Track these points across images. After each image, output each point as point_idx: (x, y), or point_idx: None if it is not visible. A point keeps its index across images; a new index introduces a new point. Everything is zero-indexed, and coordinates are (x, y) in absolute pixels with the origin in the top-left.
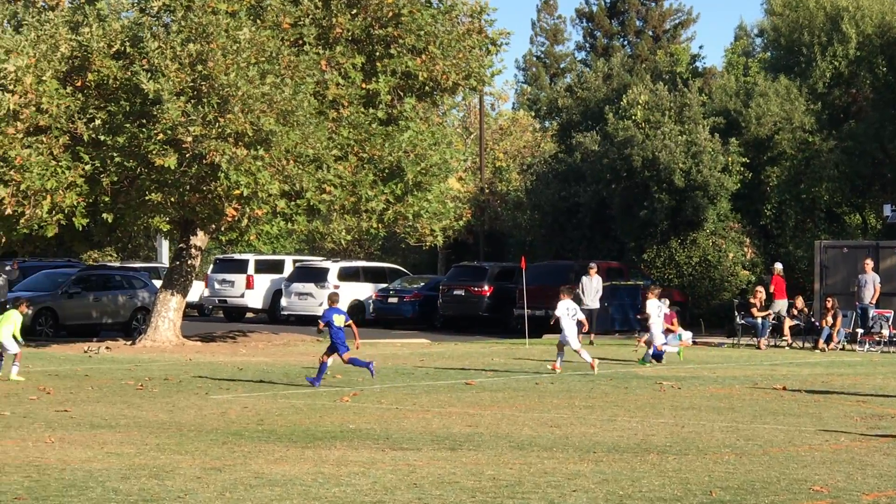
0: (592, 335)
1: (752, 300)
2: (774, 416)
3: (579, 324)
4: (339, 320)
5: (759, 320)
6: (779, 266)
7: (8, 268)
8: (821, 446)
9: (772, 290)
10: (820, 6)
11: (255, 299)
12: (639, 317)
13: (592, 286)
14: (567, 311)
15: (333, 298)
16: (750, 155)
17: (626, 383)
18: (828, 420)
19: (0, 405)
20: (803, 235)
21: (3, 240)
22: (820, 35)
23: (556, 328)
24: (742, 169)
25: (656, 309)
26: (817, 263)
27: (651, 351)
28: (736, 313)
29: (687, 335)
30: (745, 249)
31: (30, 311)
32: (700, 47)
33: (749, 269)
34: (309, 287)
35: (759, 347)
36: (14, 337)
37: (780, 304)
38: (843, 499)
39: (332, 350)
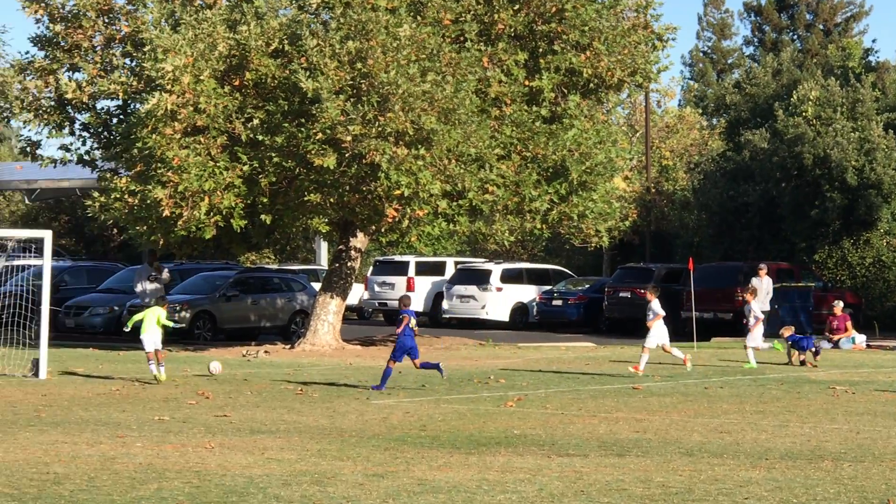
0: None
1: None
2: None
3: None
4: (412, 323)
5: None
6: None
7: (160, 275)
8: None
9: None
10: None
11: (415, 302)
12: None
13: (763, 288)
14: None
15: (406, 301)
16: None
17: (798, 388)
18: None
19: (159, 410)
20: None
21: (161, 242)
22: None
23: (726, 331)
24: None
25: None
26: None
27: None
28: None
29: (861, 338)
30: None
31: (187, 314)
32: (873, 41)
33: None
34: (471, 289)
35: None
36: (163, 326)
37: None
38: None
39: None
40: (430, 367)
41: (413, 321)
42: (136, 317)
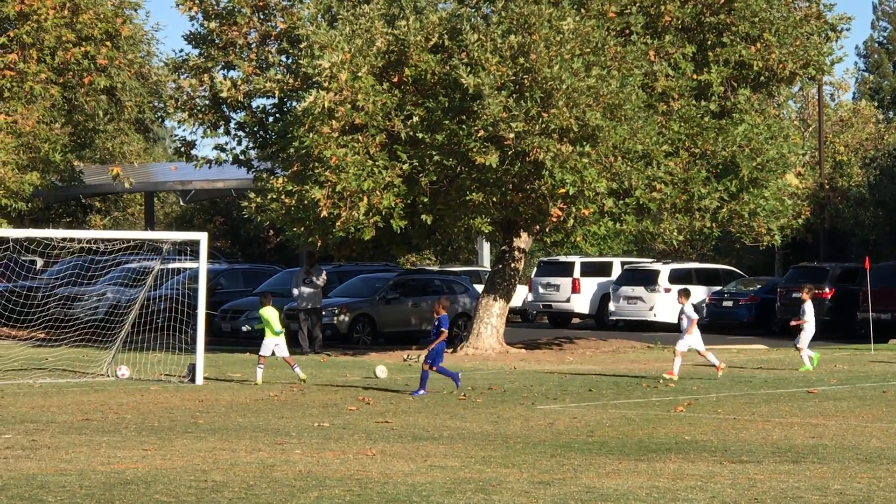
0: None
1: None
2: None
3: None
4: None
5: None
6: None
7: (316, 279)
8: None
9: None
10: None
11: (581, 304)
12: (794, 324)
13: None
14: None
15: (445, 304)
16: None
17: None
18: None
19: (319, 416)
20: None
21: (319, 244)
22: None
23: None
24: None
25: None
26: None
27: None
28: None
29: None
30: None
31: (346, 318)
32: None
33: None
34: (638, 291)
35: None
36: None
37: None
38: None
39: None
40: (448, 374)
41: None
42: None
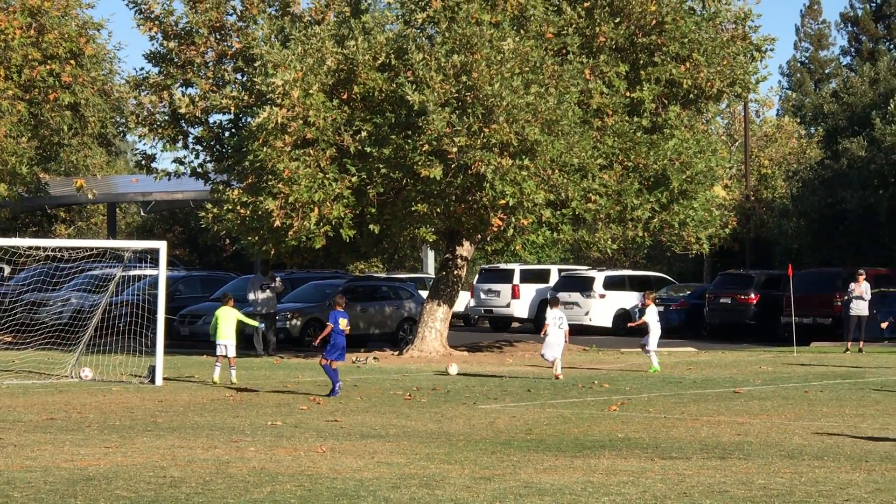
0: (861, 343)
1: None
2: None
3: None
4: (342, 323)
5: None
6: None
7: (273, 283)
8: None
9: None
10: None
11: (520, 309)
12: (631, 325)
13: (862, 293)
14: (554, 321)
15: (339, 301)
16: None
17: None
18: None
19: (272, 415)
20: None
21: (273, 252)
22: None
23: (825, 335)
24: None
25: (655, 315)
26: None
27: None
28: None
29: None
30: None
31: (298, 323)
32: None
33: None
34: (575, 296)
35: None
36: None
37: None
38: None
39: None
40: (332, 378)
41: (344, 321)
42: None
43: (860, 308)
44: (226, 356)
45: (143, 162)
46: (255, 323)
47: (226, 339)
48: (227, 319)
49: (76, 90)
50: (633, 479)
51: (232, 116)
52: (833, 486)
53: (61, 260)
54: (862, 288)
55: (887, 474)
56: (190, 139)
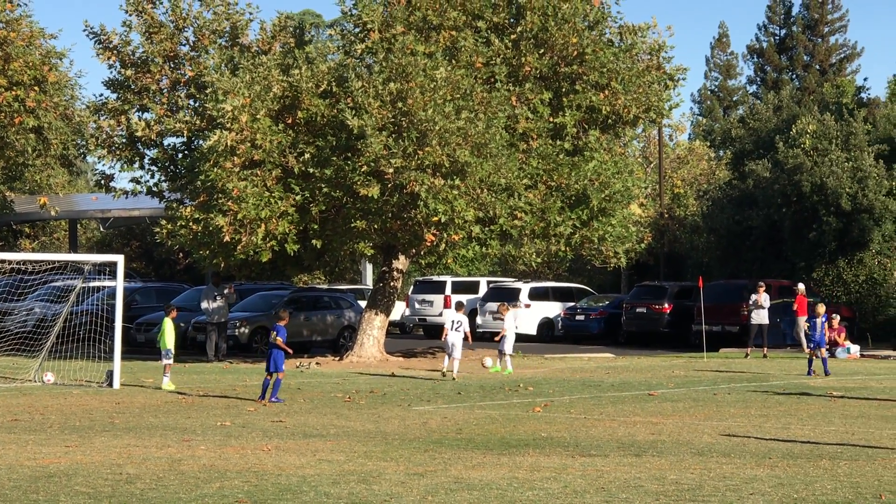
0: (765, 349)
1: None
2: None
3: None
4: (272, 335)
5: None
6: (801, 286)
7: (226, 291)
8: None
9: (794, 307)
10: None
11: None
12: (497, 339)
13: (762, 303)
14: (452, 324)
15: (282, 316)
16: None
17: (799, 395)
18: None
19: (222, 416)
20: None
21: (223, 265)
22: None
23: (733, 342)
24: None
25: (513, 323)
26: None
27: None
28: None
29: (855, 348)
30: None
31: (246, 330)
32: (864, 79)
33: None
34: None
35: None
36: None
37: (801, 321)
38: None
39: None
40: (268, 388)
41: (279, 336)
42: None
43: (761, 317)
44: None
45: (102, 181)
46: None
47: (171, 346)
48: (171, 330)
49: (40, 114)
50: (555, 475)
51: (185, 139)
52: (739, 481)
53: (26, 272)
54: (762, 298)
55: (789, 470)
56: (146, 160)
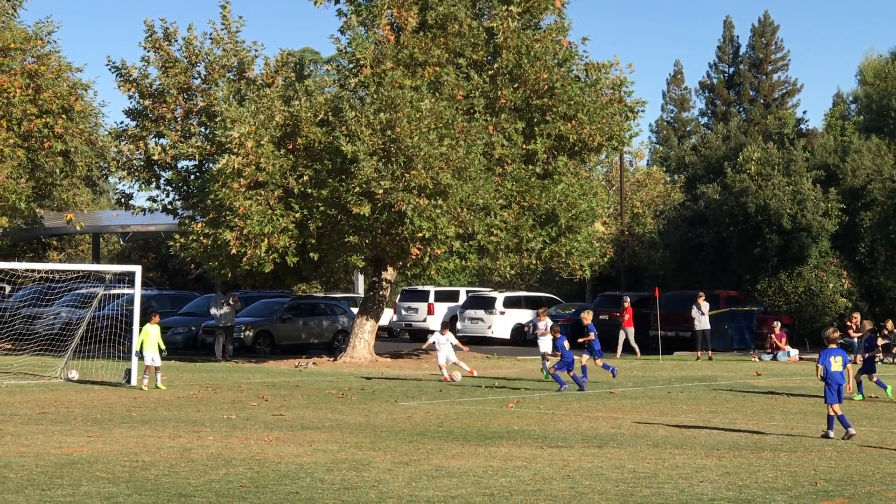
0: (710, 352)
1: (848, 323)
2: (870, 420)
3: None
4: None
5: (855, 339)
6: (627, 299)
7: (231, 300)
8: None
9: (625, 318)
10: None
11: (435, 323)
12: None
13: (702, 310)
14: (436, 343)
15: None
16: (846, 202)
17: (745, 393)
18: None
19: (227, 410)
20: (892, 268)
21: (230, 275)
22: None
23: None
24: (840, 213)
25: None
26: None
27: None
28: None
29: (794, 352)
30: (843, 281)
31: (251, 334)
32: (804, 112)
33: (846, 297)
34: (479, 313)
35: (854, 362)
36: (159, 346)
37: (629, 331)
38: None
39: None
40: None
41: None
42: (142, 337)
43: (703, 323)
44: (154, 366)
45: (122, 200)
46: (161, 346)
47: (153, 351)
48: (153, 335)
49: (67, 140)
50: (526, 464)
51: (197, 163)
52: (690, 470)
53: (53, 281)
54: (702, 307)
55: (735, 460)
56: (161, 181)
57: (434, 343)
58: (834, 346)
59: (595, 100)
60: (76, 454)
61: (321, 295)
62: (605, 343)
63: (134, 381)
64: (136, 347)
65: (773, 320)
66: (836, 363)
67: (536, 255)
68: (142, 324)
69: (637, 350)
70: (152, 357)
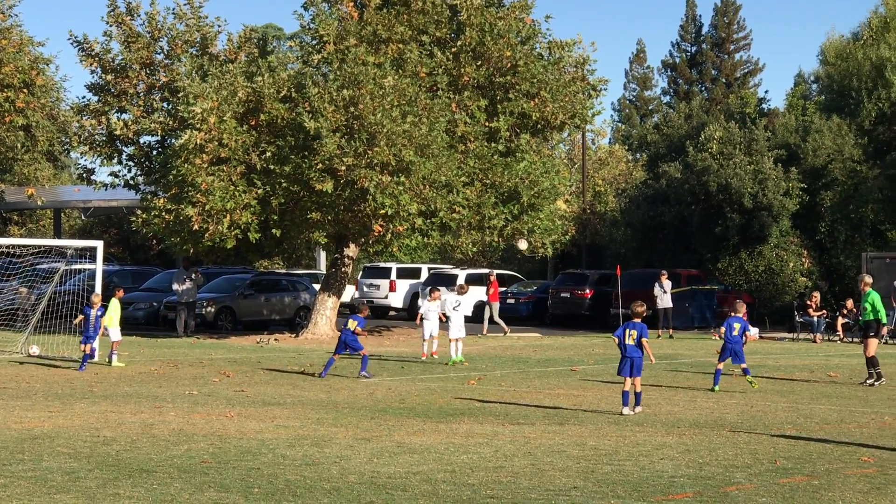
0: (671, 329)
1: (808, 302)
2: (829, 398)
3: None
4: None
5: (815, 319)
6: (494, 273)
7: (194, 275)
8: (868, 423)
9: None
10: (866, 57)
11: (396, 300)
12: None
13: (664, 288)
14: (429, 311)
15: (361, 309)
16: (807, 181)
17: (705, 371)
18: (874, 402)
19: (190, 386)
20: (852, 248)
21: (192, 251)
22: (866, 81)
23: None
24: (800, 193)
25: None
26: (864, 272)
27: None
28: (795, 313)
29: (754, 330)
30: (803, 260)
31: (212, 310)
32: (765, 92)
33: (806, 276)
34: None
35: (814, 341)
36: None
37: (494, 306)
38: (886, 467)
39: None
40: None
41: (355, 323)
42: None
43: (665, 301)
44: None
45: (84, 175)
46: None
47: (116, 326)
48: (117, 310)
49: (28, 114)
50: (487, 441)
51: (159, 138)
52: (651, 448)
53: (14, 256)
54: (664, 285)
55: (695, 438)
56: (124, 156)
57: (424, 313)
58: (637, 319)
59: (558, 78)
60: (37, 429)
61: (283, 271)
62: (565, 320)
63: (95, 357)
64: (106, 322)
65: (734, 299)
66: (629, 337)
67: (498, 232)
68: (105, 300)
69: (505, 328)
70: (117, 332)
